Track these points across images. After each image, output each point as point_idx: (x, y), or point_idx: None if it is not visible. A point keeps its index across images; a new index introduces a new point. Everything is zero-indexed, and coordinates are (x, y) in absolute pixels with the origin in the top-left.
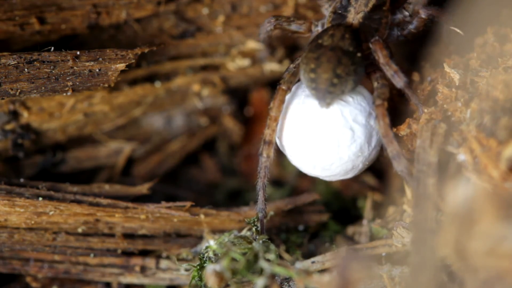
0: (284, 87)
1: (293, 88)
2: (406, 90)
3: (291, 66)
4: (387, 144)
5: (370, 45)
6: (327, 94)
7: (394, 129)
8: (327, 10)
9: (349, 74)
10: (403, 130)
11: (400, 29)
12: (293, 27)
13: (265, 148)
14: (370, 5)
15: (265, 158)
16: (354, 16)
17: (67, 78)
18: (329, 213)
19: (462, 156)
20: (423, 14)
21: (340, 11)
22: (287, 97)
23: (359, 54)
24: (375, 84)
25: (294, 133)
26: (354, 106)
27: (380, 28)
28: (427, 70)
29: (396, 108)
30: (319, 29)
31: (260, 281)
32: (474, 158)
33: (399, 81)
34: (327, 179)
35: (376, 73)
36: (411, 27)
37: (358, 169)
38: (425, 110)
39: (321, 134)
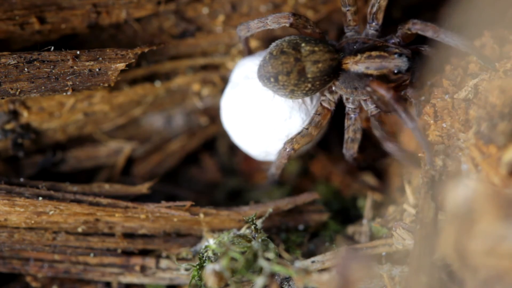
0: None
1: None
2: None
3: None
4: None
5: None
6: (260, 79)
7: None
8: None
9: (285, 87)
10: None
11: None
12: (308, 32)
13: None
14: (370, 72)
15: None
16: (352, 62)
17: (67, 78)
18: (329, 213)
19: (465, 165)
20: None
21: (351, 48)
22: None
23: (308, 85)
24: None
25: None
26: (273, 108)
27: (359, 95)
28: (426, 74)
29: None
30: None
31: (259, 280)
32: (476, 166)
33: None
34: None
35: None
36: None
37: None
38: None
39: (242, 103)
